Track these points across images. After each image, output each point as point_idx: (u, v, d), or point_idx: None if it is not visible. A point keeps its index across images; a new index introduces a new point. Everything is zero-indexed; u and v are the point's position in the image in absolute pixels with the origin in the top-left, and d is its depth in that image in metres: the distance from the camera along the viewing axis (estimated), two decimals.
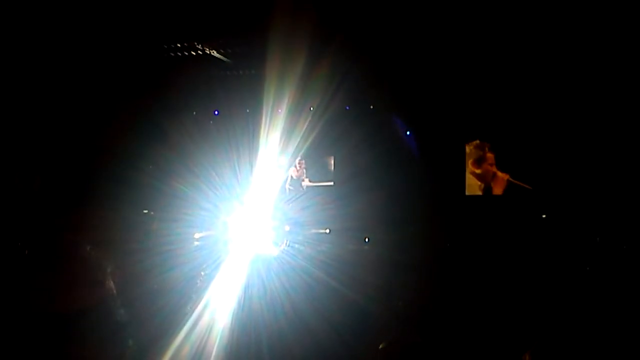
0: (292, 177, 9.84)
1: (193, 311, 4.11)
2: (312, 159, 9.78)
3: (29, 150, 10.86)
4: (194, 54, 8.93)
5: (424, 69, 8.63)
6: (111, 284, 1.84)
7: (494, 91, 8.67)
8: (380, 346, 2.12)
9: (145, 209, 8.84)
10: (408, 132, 9.36)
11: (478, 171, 9.04)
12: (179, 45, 8.64)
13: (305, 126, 8.95)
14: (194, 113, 10.32)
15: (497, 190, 8.87)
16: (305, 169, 9.91)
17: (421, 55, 8.36)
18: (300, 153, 9.30)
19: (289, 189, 9.76)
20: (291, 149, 9.10)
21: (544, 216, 8.40)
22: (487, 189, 8.94)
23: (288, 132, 8.88)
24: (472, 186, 8.98)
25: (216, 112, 10.45)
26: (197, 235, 7.79)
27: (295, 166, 9.79)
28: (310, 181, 9.95)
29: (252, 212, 8.34)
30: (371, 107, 9.65)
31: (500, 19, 7.24)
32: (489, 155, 9.06)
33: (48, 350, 1.66)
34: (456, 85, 8.73)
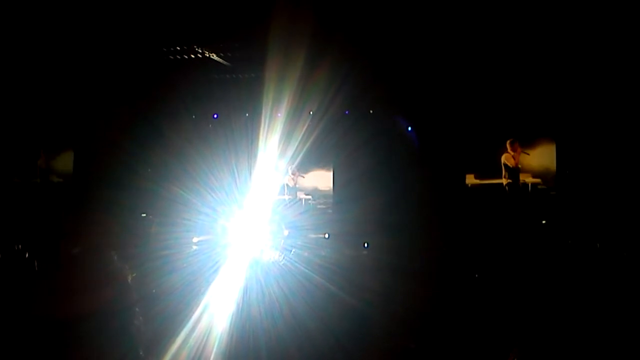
0: (288, 185, 9.84)
1: (192, 316, 4.09)
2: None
3: (29, 152, 10.86)
4: (193, 57, 8.93)
5: (424, 73, 8.64)
6: (110, 288, 1.83)
7: (493, 94, 8.69)
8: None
9: (144, 213, 8.83)
10: (410, 129, 9.38)
11: None
12: (178, 48, 8.64)
13: (304, 130, 8.95)
14: (193, 116, 10.32)
15: None
16: (301, 177, 9.92)
17: (420, 60, 8.38)
18: (299, 158, 9.29)
19: (287, 197, 9.77)
20: (290, 152, 9.09)
21: (543, 222, 8.40)
22: None
23: (287, 136, 8.88)
24: None
25: (215, 116, 10.45)
26: (195, 240, 7.76)
27: (291, 176, 9.80)
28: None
29: (251, 216, 8.32)
30: (370, 111, 9.66)
31: (496, 24, 7.28)
32: None
33: (47, 355, 1.66)
34: (456, 90, 8.74)
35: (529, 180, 9.38)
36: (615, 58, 7.55)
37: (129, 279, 1.90)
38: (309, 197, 9.97)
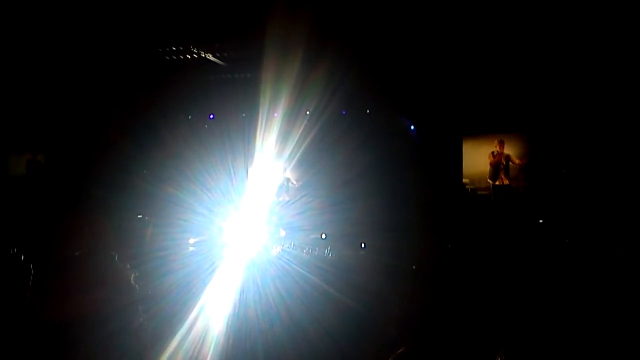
0: (285, 186, 9.84)
1: (188, 317, 4.07)
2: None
3: (23, 152, 10.83)
4: (189, 57, 8.91)
5: (421, 73, 8.64)
6: (106, 290, 1.82)
7: (491, 95, 8.70)
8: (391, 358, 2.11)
9: (140, 215, 8.79)
10: (412, 128, 9.40)
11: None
12: (174, 49, 8.61)
13: (301, 131, 8.93)
14: (190, 117, 10.29)
15: None
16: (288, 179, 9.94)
17: (417, 60, 8.37)
18: (296, 158, 9.27)
19: (285, 198, 9.78)
20: (287, 153, 9.08)
21: (540, 221, 8.41)
22: None
23: (284, 137, 8.86)
24: None
25: (212, 116, 10.42)
26: (192, 241, 7.74)
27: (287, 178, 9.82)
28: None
29: (248, 217, 8.31)
30: (367, 111, 9.64)
31: (492, 24, 7.28)
32: None
33: (43, 357, 1.64)
34: (453, 90, 8.74)
35: None
36: (597, 57, 7.58)
37: (130, 279, 1.89)
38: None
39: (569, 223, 7.91)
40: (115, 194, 8.43)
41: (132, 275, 1.85)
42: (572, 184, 8.28)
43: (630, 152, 7.78)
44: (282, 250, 7.40)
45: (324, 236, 8.53)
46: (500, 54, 7.94)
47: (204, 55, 8.86)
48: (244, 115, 9.85)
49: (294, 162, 9.39)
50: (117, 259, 1.88)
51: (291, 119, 8.71)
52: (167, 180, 8.91)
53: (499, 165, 9.09)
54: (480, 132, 9.27)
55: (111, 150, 9.44)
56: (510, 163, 9.06)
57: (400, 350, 2.12)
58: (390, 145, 9.21)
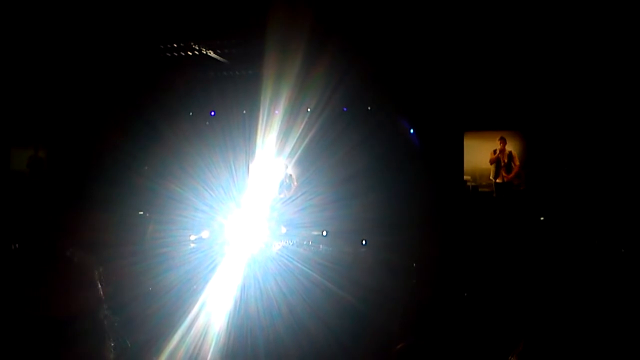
0: (285, 183, 9.82)
1: (188, 314, 4.07)
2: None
3: (23, 148, 10.82)
4: (190, 54, 8.89)
5: (422, 70, 8.62)
6: (106, 287, 1.80)
7: (491, 92, 8.67)
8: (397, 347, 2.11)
9: (140, 211, 8.79)
10: (411, 130, 9.36)
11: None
12: (175, 45, 8.59)
13: (302, 127, 8.91)
14: (190, 114, 10.27)
15: None
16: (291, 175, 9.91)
17: (418, 57, 8.35)
18: (297, 155, 9.25)
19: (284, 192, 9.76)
20: (288, 150, 9.06)
21: (541, 218, 8.39)
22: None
23: (285, 133, 8.85)
24: None
25: (212, 113, 10.40)
26: (193, 237, 7.75)
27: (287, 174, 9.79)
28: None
29: (249, 213, 8.31)
30: (369, 108, 9.62)
31: (492, 22, 7.26)
32: None
33: (41, 355, 1.63)
34: (454, 87, 8.72)
35: None
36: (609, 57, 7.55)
37: (125, 278, 1.87)
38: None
39: (570, 220, 7.91)
40: (117, 190, 8.43)
41: (97, 272, 1.80)
42: (574, 181, 8.26)
43: (632, 149, 7.76)
44: (283, 246, 7.41)
45: (324, 233, 8.53)
46: (501, 49, 7.92)
47: (204, 52, 8.83)
48: (244, 111, 9.83)
49: (294, 159, 9.37)
50: (71, 252, 1.81)
51: (292, 115, 8.69)
52: (168, 176, 8.91)
53: (499, 163, 9.08)
54: (482, 129, 9.25)
55: (112, 146, 9.43)
56: (512, 160, 9.05)
57: (400, 346, 2.11)
58: (391, 142, 9.19)
